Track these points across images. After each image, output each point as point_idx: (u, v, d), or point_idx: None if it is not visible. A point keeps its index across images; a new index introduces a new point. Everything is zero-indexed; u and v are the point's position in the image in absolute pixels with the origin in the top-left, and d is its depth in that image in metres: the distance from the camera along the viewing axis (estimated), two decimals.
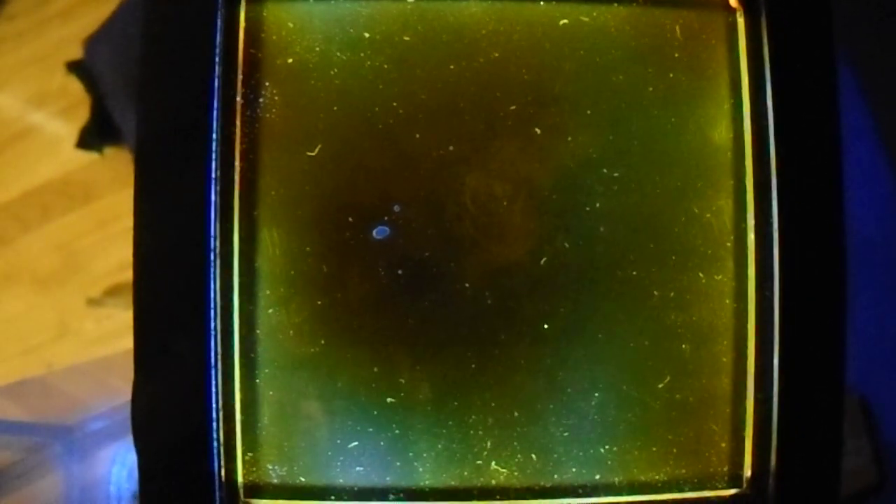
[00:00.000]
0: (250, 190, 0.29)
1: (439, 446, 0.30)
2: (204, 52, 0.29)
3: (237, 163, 0.29)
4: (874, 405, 0.59)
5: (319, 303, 0.30)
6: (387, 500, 0.30)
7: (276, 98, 0.30)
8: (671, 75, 0.30)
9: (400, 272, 0.30)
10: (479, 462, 0.30)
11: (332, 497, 0.30)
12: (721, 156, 0.30)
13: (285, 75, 0.30)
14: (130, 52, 0.76)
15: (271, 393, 0.30)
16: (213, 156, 0.29)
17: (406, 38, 0.30)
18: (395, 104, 0.30)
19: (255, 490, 0.29)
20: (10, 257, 0.85)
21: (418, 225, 0.30)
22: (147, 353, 0.29)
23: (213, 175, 0.28)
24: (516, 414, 0.30)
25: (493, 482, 0.30)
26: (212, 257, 0.28)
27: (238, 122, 0.29)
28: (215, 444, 0.28)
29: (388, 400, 0.30)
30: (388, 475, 0.30)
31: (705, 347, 0.30)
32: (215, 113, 0.29)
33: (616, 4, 0.30)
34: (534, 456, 0.30)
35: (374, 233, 0.29)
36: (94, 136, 0.84)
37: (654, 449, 0.30)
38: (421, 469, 0.30)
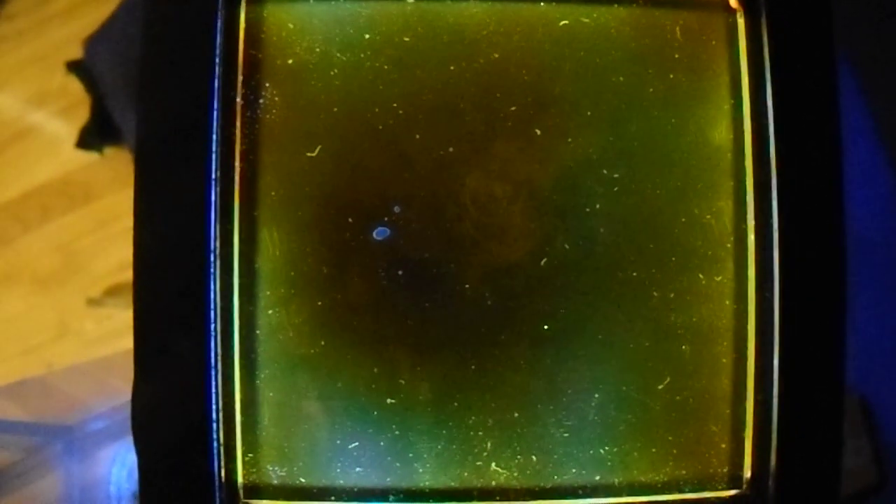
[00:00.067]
0: (250, 190, 0.29)
1: (439, 447, 0.30)
2: (204, 53, 0.29)
3: (237, 163, 0.29)
4: (874, 405, 0.59)
5: (319, 303, 0.30)
6: (387, 500, 0.30)
7: (277, 99, 0.30)
8: (671, 76, 0.30)
9: (400, 273, 0.30)
10: (479, 463, 0.30)
11: (332, 498, 0.30)
12: (721, 156, 0.30)
13: (285, 76, 0.30)
14: (130, 52, 0.76)
15: (271, 393, 0.30)
16: (213, 156, 0.29)
17: (406, 39, 0.30)
18: (395, 105, 0.30)
19: (254, 491, 0.29)
20: (10, 257, 0.85)
21: (418, 226, 0.30)
22: (147, 353, 0.29)
23: (214, 175, 0.28)
24: (516, 415, 0.30)
25: (493, 483, 0.30)
26: (212, 258, 0.28)
27: (238, 123, 0.29)
28: (215, 444, 0.28)
29: (388, 401, 0.30)
30: (388, 476, 0.30)
31: (705, 348, 0.30)
32: (215, 113, 0.29)
33: (616, 5, 0.30)
34: (534, 457, 0.30)
35: (375, 233, 0.29)
36: (94, 136, 0.84)
37: (654, 450, 0.30)
38: (421, 470, 0.30)
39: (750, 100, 0.30)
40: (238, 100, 0.29)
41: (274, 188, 0.29)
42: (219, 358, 0.29)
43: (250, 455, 0.29)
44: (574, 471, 0.30)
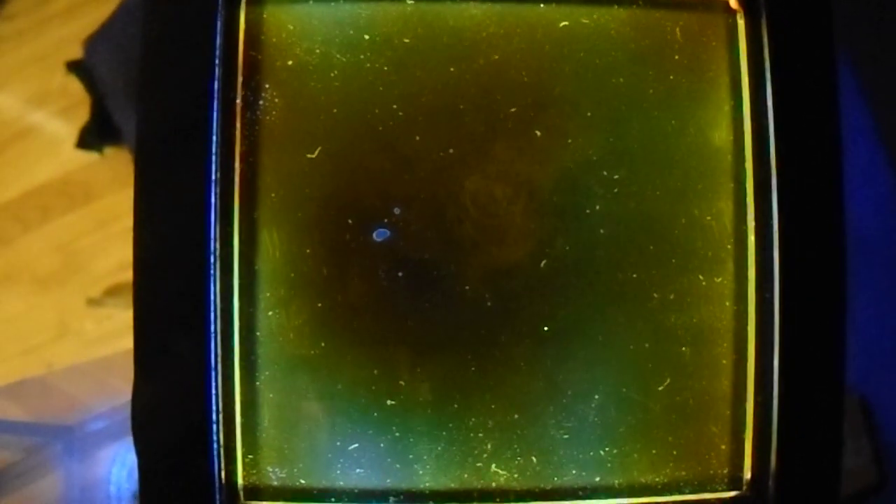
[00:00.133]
0: (250, 191, 0.29)
1: (439, 448, 0.30)
2: (204, 54, 0.29)
3: (237, 164, 0.29)
4: (874, 405, 0.59)
5: (319, 305, 0.30)
6: (387, 502, 0.30)
7: (276, 100, 0.30)
8: (671, 77, 0.30)
9: (400, 274, 0.30)
10: (479, 464, 0.30)
11: (333, 499, 0.30)
12: (721, 157, 0.30)
13: (285, 77, 0.30)
14: (130, 52, 0.76)
15: (271, 395, 0.30)
16: (213, 157, 0.29)
17: (406, 41, 0.30)
18: (395, 106, 0.30)
19: (254, 492, 0.29)
20: (10, 257, 0.85)
21: (418, 227, 0.30)
22: (147, 353, 0.29)
23: (213, 176, 0.28)
24: (516, 416, 0.30)
25: (494, 484, 0.30)
26: (212, 259, 0.28)
27: (238, 124, 0.29)
28: (215, 445, 0.28)
29: (389, 402, 0.30)
30: (388, 477, 0.30)
31: (705, 349, 0.30)
32: (215, 114, 0.29)
33: (616, 6, 0.30)
34: (534, 458, 0.30)
35: (375, 235, 0.29)
36: (94, 136, 0.84)
37: (654, 451, 0.30)
38: (421, 471, 0.30)
39: (750, 100, 0.30)
40: (238, 101, 0.29)
41: (274, 189, 0.29)
42: (219, 359, 0.29)
43: (250, 456, 0.29)
44: (574, 472, 0.30)
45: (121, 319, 0.81)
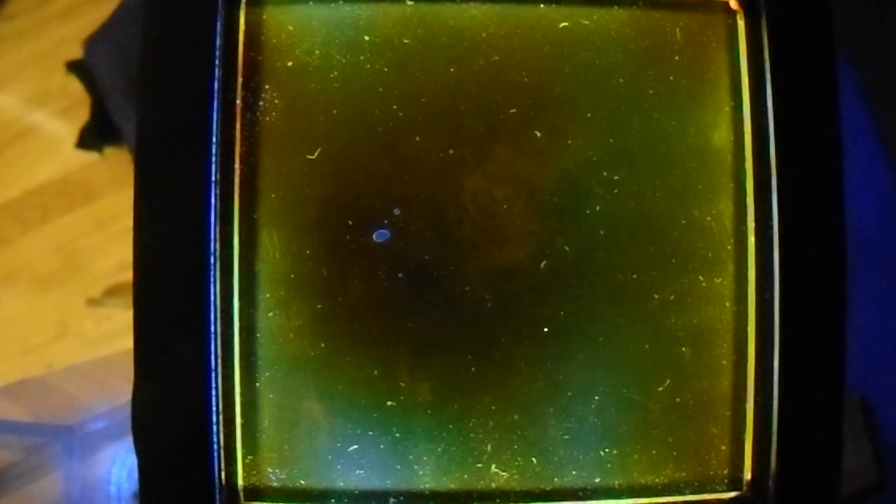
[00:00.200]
0: (250, 192, 0.29)
1: (439, 449, 0.30)
2: (204, 54, 0.29)
3: (237, 165, 0.29)
4: (874, 405, 0.59)
5: (320, 306, 0.30)
6: (387, 503, 0.30)
7: (276, 101, 0.30)
8: (671, 78, 0.30)
9: (400, 275, 0.30)
10: (479, 465, 0.30)
11: (333, 500, 0.30)
12: (721, 158, 0.30)
13: (285, 78, 0.30)
14: (130, 52, 0.76)
15: (271, 396, 0.30)
16: (213, 158, 0.28)
17: (406, 42, 0.30)
18: (395, 107, 0.30)
19: (255, 493, 0.29)
20: (10, 257, 0.85)
21: (418, 228, 0.30)
22: (147, 353, 0.29)
23: (214, 177, 0.28)
24: (516, 417, 0.30)
25: (494, 485, 0.30)
26: (212, 260, 0.28)
27: (238, 125, 0.29)
28: (215, 446, 0.28)
29: (389, 403, 0.30)
30: (388, 478, 0.30)
31: (705, 350, 0.30)
32: (215, 115, 0.29)
33: (616, 7, 0.30)
34: (534, 459, 0.30)
35: (375, 236, 0.29)
36: (94, 136, 0.84)
37: (654, 452, 0.30)
38: (421, 472, 0.30)
39: (750, 101, 0.30)
40: (238, 102, 0.29)
41: (274, 190, 0.29)
42: (219, 359, 0.29)
43: (250, 457, 0.29)
44: (574, 473, 0.30)
45: (121, 319, 0.81)
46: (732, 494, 0.30)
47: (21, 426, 0.72)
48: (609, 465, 0.30)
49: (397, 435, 0.30)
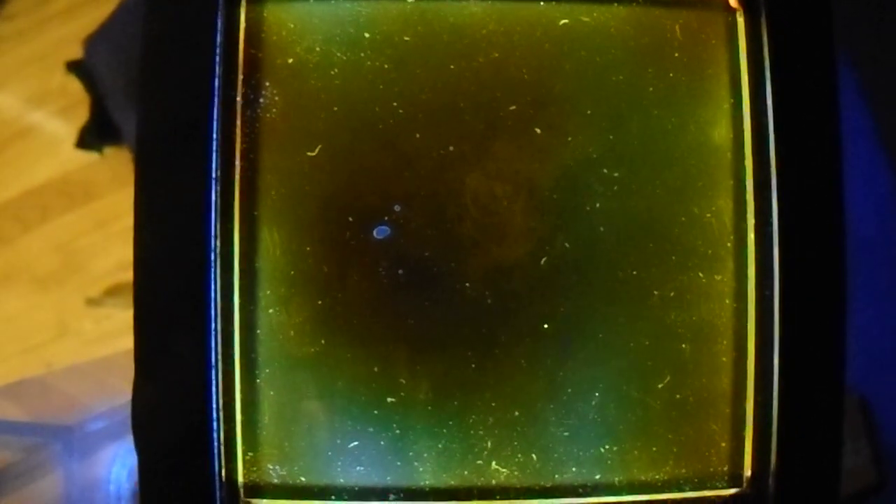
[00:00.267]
0: (251, 190, 0.29)
1: (439, 446, 0.30)
2: (204, 52, 0.29)
3: (237, 163, 0.29)
4: (874, 405, 0.59)
5: (320, 302, 0.30)
6: (387, 499, 0.30)
7: (277, 98, 0.30)
8: (671, 75, 0.30)
9: (400, 272, 0.30)
10: (479, 462, 0.30)
11: (333, 497, 0.30)
12: (721, 155, 0.30)
13: (285, 75, 0.30)
14: (130, 52, 0.76)
15: (272, 393, 0.30)
16: (214, 156, 0.29)
17: (406, 39, 0.30)
18: (395, 104, 0.30)
19: (255, 490, 0.29)
20: (10, 257, 0.85)
21: (419, 225, 0.30)
22: (147, 353, 0.29)
23: (214, 175, 0.28)
24: (516, 414, 0.30)
25: (494, 482, 0.30)
26: (212, 257, 0.28)
27: (238, 122, 0.29)
28: (215, 443, 0.28)
29: (389, 400, 0.30)
30: (388, 475, 0.30)
31: (705, 347, 0.30)
32: (215, 113, 0.29)
33: (616, 4, 0.30)
34: (534, 456, 0.30)
35: (375, 233, 0.29)
36: (94, 135, 0.84)
37: (654, 448, 0.30)
38: (421, 469, 0.30)
39: (750, 99, 0.30)
40: (238, 99, 0.29)
41: (274, 187, 0.29)
42: (219, 357, 0.29)
43: (251, 454, 0.29)
44: (574, 469, 0.30)
45: (121, 319, 0.81)
46: (732, 491, 0.30)
47: (21, 426, 0.72)
48: (609, 462, 0.30)
49: (397, 431, 0.30)
